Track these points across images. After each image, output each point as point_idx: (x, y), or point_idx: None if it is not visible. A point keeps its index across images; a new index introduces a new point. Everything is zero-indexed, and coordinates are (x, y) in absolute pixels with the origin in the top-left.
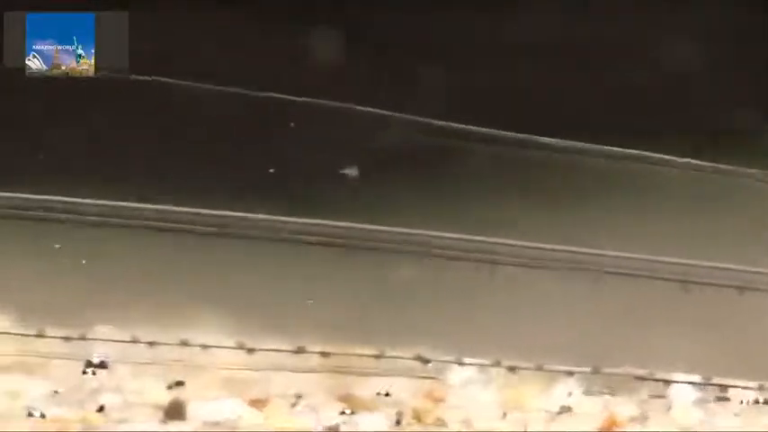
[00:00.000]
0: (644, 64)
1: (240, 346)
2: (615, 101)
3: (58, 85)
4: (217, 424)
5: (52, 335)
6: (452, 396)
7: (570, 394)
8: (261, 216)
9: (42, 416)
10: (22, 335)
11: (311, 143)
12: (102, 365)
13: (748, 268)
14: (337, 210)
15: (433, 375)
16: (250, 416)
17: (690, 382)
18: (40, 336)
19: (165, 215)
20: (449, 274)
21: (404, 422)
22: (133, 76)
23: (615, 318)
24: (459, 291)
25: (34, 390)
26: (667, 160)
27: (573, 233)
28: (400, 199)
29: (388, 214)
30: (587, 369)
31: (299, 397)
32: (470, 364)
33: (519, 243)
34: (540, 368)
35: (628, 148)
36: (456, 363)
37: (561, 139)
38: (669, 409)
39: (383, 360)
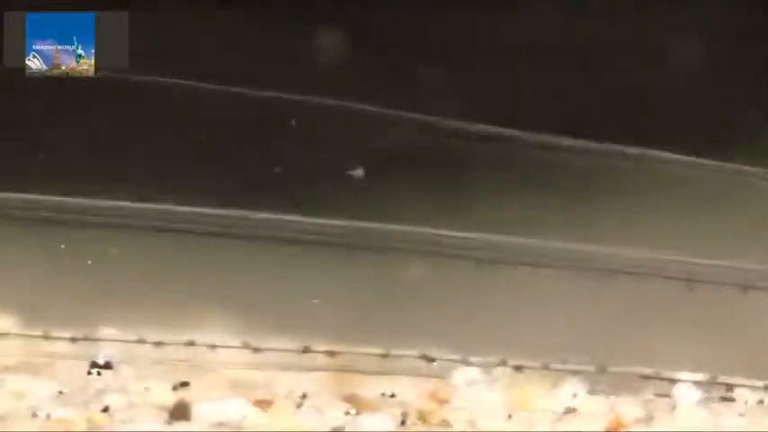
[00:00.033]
0: (644, 64)
1: (246, 346)
2: (615, 100)
3: (58, 85)
4: (222, 424)
5: (58, 336)
6: (457, 397)
7: (575, 395)
8: (265, 216)
9: (47, 416)
10: (27, 335)
11: (313, 142)
12: (108, 366)
13: (753, 267)
14: (342, 209)
15: (438, 374)
16: (255, 416)
17: (695, 381)
18: (45, 337)
19: (169, 216)
20: (454, 274)
21: (409, 423)
22: (133, 76)
23: (620, 317)
24: (464, 290)
25: (39, 390)
26: (670, 159)
27: (577, 232)
28: (404, 198)
29: (392, 214)
30: (593, 368)
31: (303, 397)
32: (476, 364)
33: (524, 242)
34: (545, 367)
35: (628, 146)
36: (461, 362)
37: (562, 137)
38: (674, 408)
39: (389, 359)
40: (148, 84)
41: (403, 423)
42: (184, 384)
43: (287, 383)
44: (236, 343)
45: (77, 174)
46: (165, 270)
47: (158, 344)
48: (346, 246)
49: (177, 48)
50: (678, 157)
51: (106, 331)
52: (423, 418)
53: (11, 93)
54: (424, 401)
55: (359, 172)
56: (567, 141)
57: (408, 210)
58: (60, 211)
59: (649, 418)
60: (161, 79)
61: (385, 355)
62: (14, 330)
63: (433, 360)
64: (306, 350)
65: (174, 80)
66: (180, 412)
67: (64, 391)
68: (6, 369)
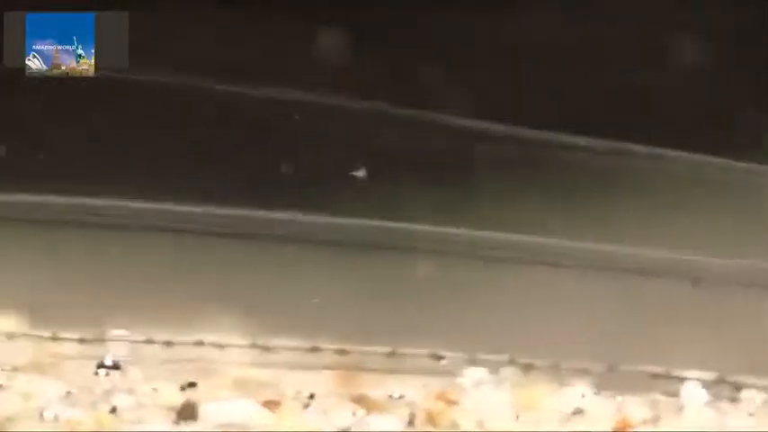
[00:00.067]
0: (645, 63)
1: (254, 346)
2: (616, 100)
3: (58, 85)
4: (229, 425)
5: (67, 336)
6: (465, 398)
7: (583, 395)
8: (273, 215)
9: (55, 417)
10: (36, 336)
11: (315, 141)
12: (115, 367)
13: (764, 266)
14: (349, 208)
15: (446, 373)
16: (263, 417)
17: (704, 380)
18: (54, 338)
19: (177, 216)
20: (462, 273)
21: (417, 423)
22: (133, 76)
23: (630, 315)
24: (472, 289)
25: (48, 391)
26: (683, 158)
27: (587, 232)
28: (412, 197)
29: (400, 212)
30: (602, 366)
31: (311, 398)
32: (484, 362)
33: (532, 240)
34: (554, 366)
35: (640, 146)
36: (470, 360)
37: (576, 137)
38: (681, 409)
39: (397, 358)
40: (148, 84)
41: (410, 423)
42: (192, 385)
43: (294, 384)
44: (245, 342)
45: (77, 174)
46: (173, 270)
47: (167, 344)
48: (355, 245)
49: (177, 48)
50: (689, 155)
51: (116, 332)
52: (431, 418)
53: (11, 93)
54: (432, 402)
55: (362, 172)
56: (581, 141)
57: (416, 208)
58: (65, 212)
59: (656, 419)
60: (161, 79)
61: (393, 354)
62: (23, 331)
63: (441, 358)
64: (314, 349)
65: (173, 80)
66: (187, 413)
67: (72, 391)
68: (15, 370)
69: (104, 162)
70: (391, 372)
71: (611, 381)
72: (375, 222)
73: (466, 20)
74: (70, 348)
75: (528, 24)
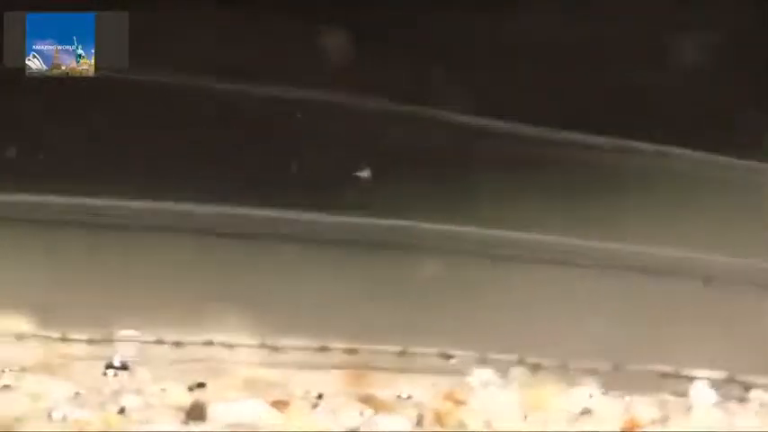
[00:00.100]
0: (645, 63)
1: (263, 345)
2: (616, 100)
3: (58, 85)
4: (238, 425)
5: (76, 337)
6: (473, 398)
7: (591, 396)
8: (277, 214)
9: (64, 417)
10: (45, 337)
11: (318, 139)
12: (124, 367)
13: None
14: (357, 207)
15: (455, 372)
16: (271, 417)
17: (713, 380)
18: (63, 339)
19: (178, 216)
20: (470, 271)
21: (425, 424)
22: (133, 76)
23: (638, 314)
24: (480, 287)
25: (56, 391)
26: (690, 157)
27: (595, 230)
28: (419, 195)
29: (406, 211)
30: (610, 366)
31: (319, 398)
32: (493, 361)
33: (541, 239)
34: (563, 365)
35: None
36: (479, 359)
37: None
38: (690, 409)
39: (406, 357)
40: (148, 84)
41: (418, 424)
42: (201, 385)
43: (303, 384)
44: (254, 342)
45: (77, 174)
46: (182, 270)
47: (176, 344)
48: (362, 244)
49: (177, 48)
50: (694, 153)
51: (123, 332)
52: (439, 419)
53: (11, 93)
54: (440, 402)
55: (366, 173)
56: (588, 139)
57: (424, 207)
58: (65, 212)
59: (665, 419)
60: (161, 79)
61: (402, 353)
62: (32, 332)
63: (450, 357)
64: (323, 348)
65: (174, 80)
66: (196, 413)
67: (80, 392)
68: (23, 370)
69: (104, 162)
70: (401, 371)
71: (619, 380)
72: (382, 221)
73: (466, 20)
74: (79, 349)
75: (528, 24)
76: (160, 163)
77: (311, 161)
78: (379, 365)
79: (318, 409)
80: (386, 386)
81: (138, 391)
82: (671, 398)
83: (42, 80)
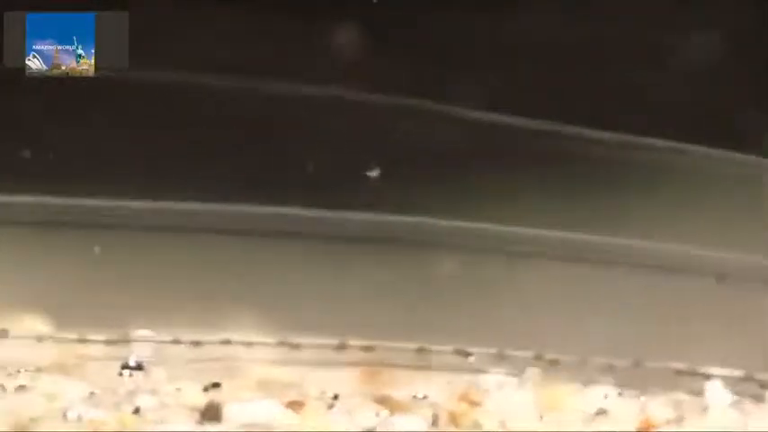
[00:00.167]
0: (645, 63)
1: (281, 344)
2: (615, 100)
3: (58, 85)
4: (253, 425)
5: (93, 338)
6: (488, 398)
7: (606, 396)
8: (287, 211)
9: (79, 417)
10: (62, 338)
11: (321, 137)
12: (139, 367)
13: None
14: (369, 204)
15: (473, 369)
16: (286, 417)
17: (729, 377)
18: (80, 340)
19: (178, 215)
20: (486, 269)
21: (440, 424)
22: (133, 76)
23: (655, 312)
24: (497, 284)
25: (71, 391)
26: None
27: (611, 227)
28: (431, 193)
29: (421, 208)
30: (627, 363)
31: (335, 398)
32: (511, 358)
33: (556, 235)
34: (580, 362)
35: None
36: (497, 356)
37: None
38: (705, 409)
39: (423, 354)
40: (148, 84)
41: (434, 424)
42: (216, 385)
43: (319, 384)
44: (271, 341)
45: (77, 174)
46: (198, 270)
47: (194, 343)
48: (377, 241)
49: (177, 47)
50: (711, 151)
51: (139, 332)
52: (454, 419)
53: (11, 93)
54: (456, 403)
55: (375, 172)
56: (604, 135)
57: (439, 203)
58: (63, 213)
59: (680, 419)
60: (161, 79)
61: (420, 350)
62: (49, 333)
63: (468, 355)
64: (341, 346)
65: (174, 79)
66: (211, 413)
67: (95, 392)
68: (39, 370)
69: (104, 162)
70: (417, 368)
71: (635, 377)
72: (397, 218)
73: (466, 20)
74: (94, 349)
75: (528, 24)
76: (160, 163)
77: (311, 160)
78: (396, 363)
79: (334, 409)
80: (402, 384)
81: (153, 392)
82: (686, 397)
83: (42, 80)
